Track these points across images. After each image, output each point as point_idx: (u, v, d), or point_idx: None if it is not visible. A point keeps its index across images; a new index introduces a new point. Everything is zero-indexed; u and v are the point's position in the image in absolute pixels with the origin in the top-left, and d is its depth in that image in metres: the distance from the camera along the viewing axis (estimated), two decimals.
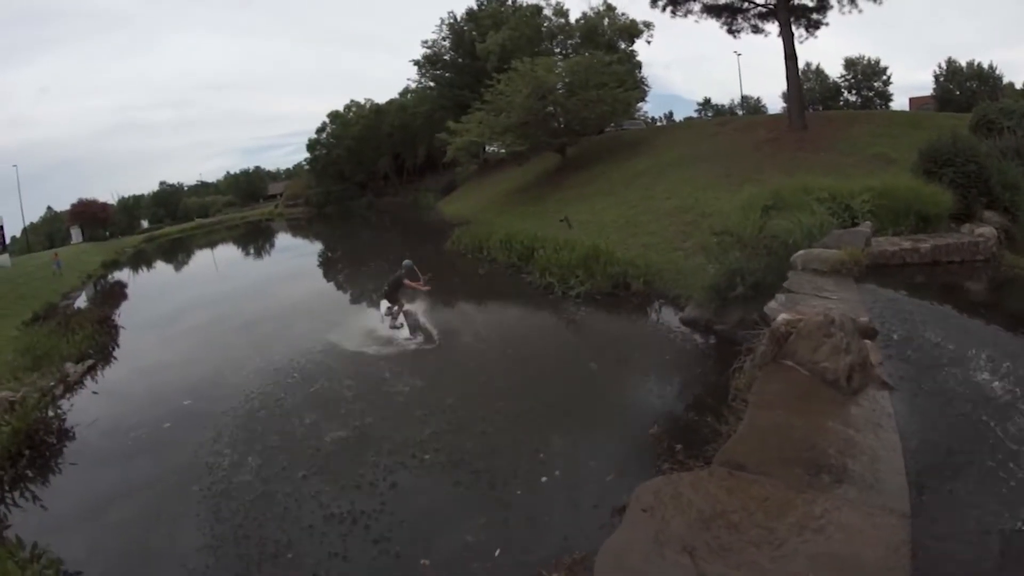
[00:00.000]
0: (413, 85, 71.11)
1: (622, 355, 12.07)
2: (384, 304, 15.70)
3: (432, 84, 65.25)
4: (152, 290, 31.17)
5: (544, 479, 7.82)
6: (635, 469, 7.34)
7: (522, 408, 10.06)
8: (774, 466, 4.61)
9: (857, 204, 13.54)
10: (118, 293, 31.46)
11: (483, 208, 37.58)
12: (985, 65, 66.52)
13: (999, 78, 65.43)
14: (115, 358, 16.65)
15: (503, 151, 43.71)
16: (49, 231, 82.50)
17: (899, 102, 75.23)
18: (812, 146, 24.26)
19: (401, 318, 15.17)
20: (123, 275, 38.06)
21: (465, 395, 10.83)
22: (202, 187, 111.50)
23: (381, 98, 76.45)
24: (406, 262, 15.86)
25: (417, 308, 16.21)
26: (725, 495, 4.28)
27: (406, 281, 15.21)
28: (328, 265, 31.93)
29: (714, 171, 23.23)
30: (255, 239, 53.78)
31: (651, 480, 4.63)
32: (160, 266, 43.43)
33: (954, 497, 4.59)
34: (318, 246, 39.07)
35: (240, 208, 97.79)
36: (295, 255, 35.48)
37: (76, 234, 67.74)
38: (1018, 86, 62.62)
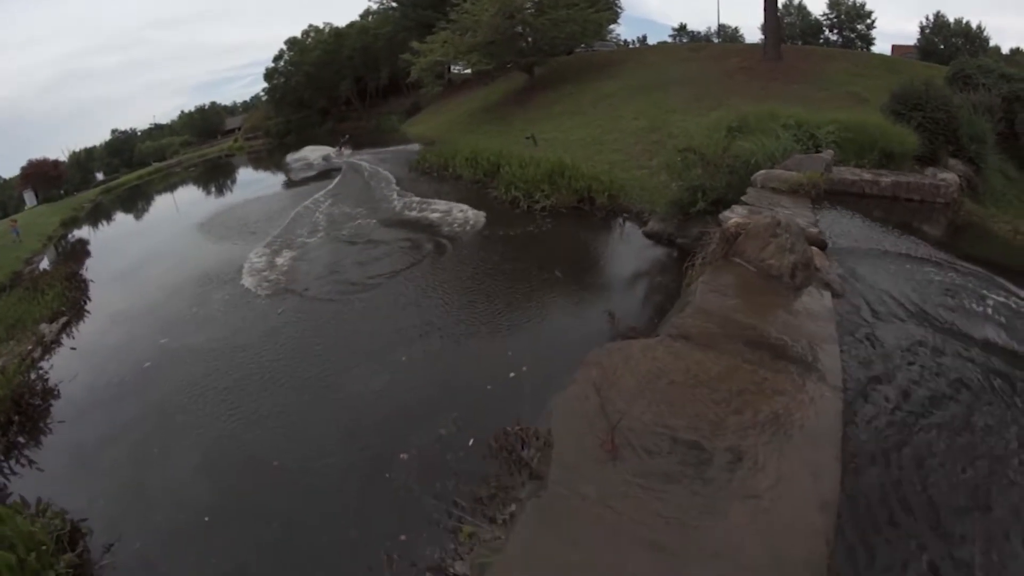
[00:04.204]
0: (375, 6, 68.28)
1: (586, 264, 12.58)
2: (336, 149, 40.59)
3: (395, 4, 62.70)
4: (116, 241, 30.23)
5: (512, 374, 8.35)
6: None
7: (490, 312, 10.62)
8: (718, 340, 5.08)
9: (822, 134, 13.93)
10: (82, 250, 30.47)
11: (448, 128, 37.18)
12: (974, 25, 66.67)
13: (986, 40, 65.67)
14: (88, 311, 16.54)
15: (468, 71, 42.84)
16: (1, 199, 78.32)
17: (881, 48, 75.15)
18: (785, 78, 24.56)
19: (343, 156, 36.75)
20: (84, 232, 36.71)
21: (434, 302, 11.39)
22: (156, 130, 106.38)
23: (341, 22, 73.91)
24: (346, 136, 42.45)
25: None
26: (672, 359, 4.74)
27: (342, 144, 40.94)
28: (287, 193, 31.31)
29: (684, 95, 23.42)
30: (215, 177, 51.97)
31: (603, 345, 5.05)
32: (120, 217, 41.80)
33: None
34: (280, 177, 38.05)
35: (198, 147, 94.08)
36: (258, 188, 34.53)
37: (30, 198, 64.44)
38: (1004, 51, 63.05)
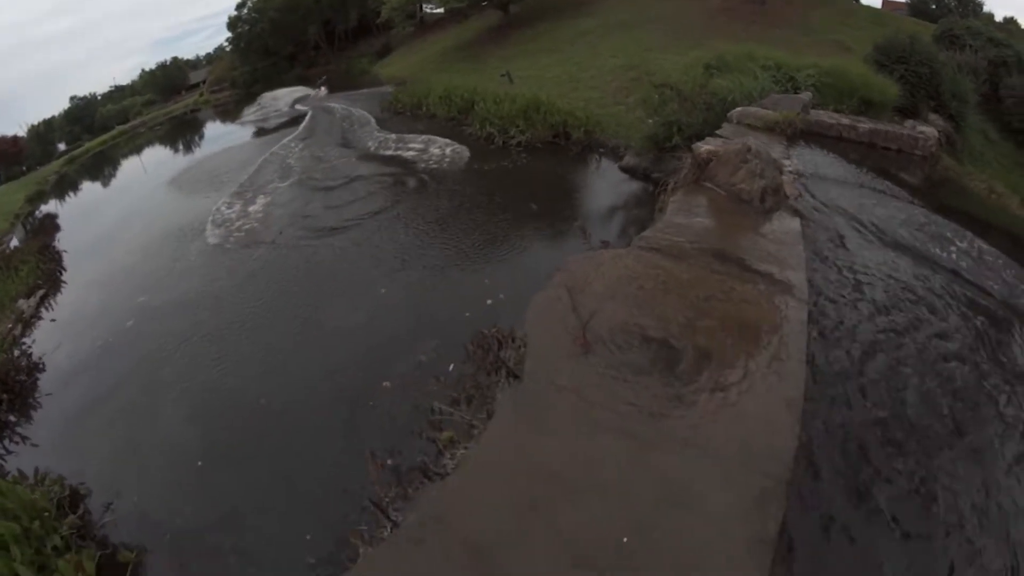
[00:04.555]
0: None
1: (561, 197, 12.71)
2: (314, 90, 42.31)
3: None
4: (86, 210, 29.27)
5: (489, 302, 8.57)
6: None
7: (467, 244, 10.81)
8: (688, 253, 5.28)
9: (802, 77, 14.00)
10: (51, 223, 29.53)
11: (421, 68, 36.44)
12: None
13: (980, 5, 65.19)
14: (64, 282, 16.26)
15: (441, 10, 41.89)
16: None
17: (871, 2, 74.85)
18: (768, 22, 24.48)
19: (320, 95, 38.75)
20: (52, 206, 35.51)
21: (411, 237, 11.52)
22: (117, 92, 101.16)
23: None
24: (324, 77, 47.34)
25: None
26: (642, 267, 4.94)
27: (320, 84, 43.81)
28: (258, 142, 30.57)
29: (663, 34, 23.25)
30: (182, 134, 50.36)
31: (576, 254, 5.20)
32: (88, 186, 40.22)
33: None
34: (249, 128, 36.89)
35: (162, 105, 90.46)
36: (228, 140, 33.54)
37: None
38: (998, 19, 62.59)
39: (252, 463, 6.84)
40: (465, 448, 3.89)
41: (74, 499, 6.88)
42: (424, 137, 19.14)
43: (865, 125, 12.15)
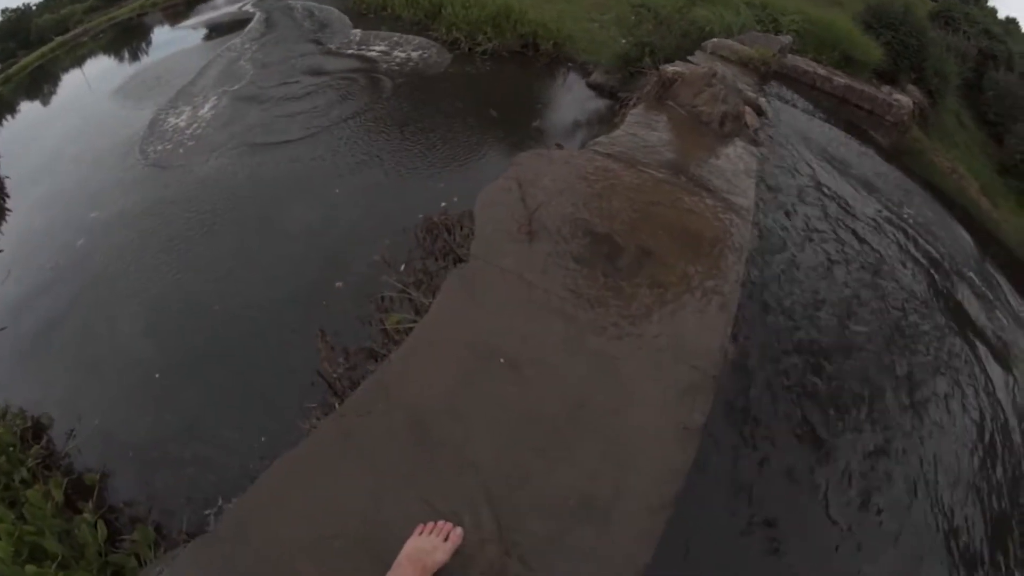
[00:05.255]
0: None
1: (524, 107, 12.62)
2: None
3: None
4: (27, 131, 27.14)
5: (443, 204, 8.61)
6: None
7: (422, 144, 10.77)
8: (639, 162, 5.52)
9: (786, 21, 14.12)
10: None
11: None
12: None
13: None
14: (8, 209, 15.25)
15: None
16: None
17: None
18: None
19: None
20: None
21: (371, 136, 11.38)
22: (54, 0, 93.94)
23: None
24: None
25: None
26: (592, 169, 5.16)
27: None
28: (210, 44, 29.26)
29: None
30: (127, 41, 47.09)
31: (528, 152, 5.37)
32: (26, 106, 37.19)
33: None
34: (201, 32, 34.98)
35: (104, 11, 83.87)
36: (178, 46, 31.81)
37: None
38: (1000, 16, 62.79)
39: (207, 370, 6.86)
40: (411, 326, 4.03)
41: (37, 430, 6.81)
42: (396, 36, 18.64)
43: (841, 80, 12.41)
